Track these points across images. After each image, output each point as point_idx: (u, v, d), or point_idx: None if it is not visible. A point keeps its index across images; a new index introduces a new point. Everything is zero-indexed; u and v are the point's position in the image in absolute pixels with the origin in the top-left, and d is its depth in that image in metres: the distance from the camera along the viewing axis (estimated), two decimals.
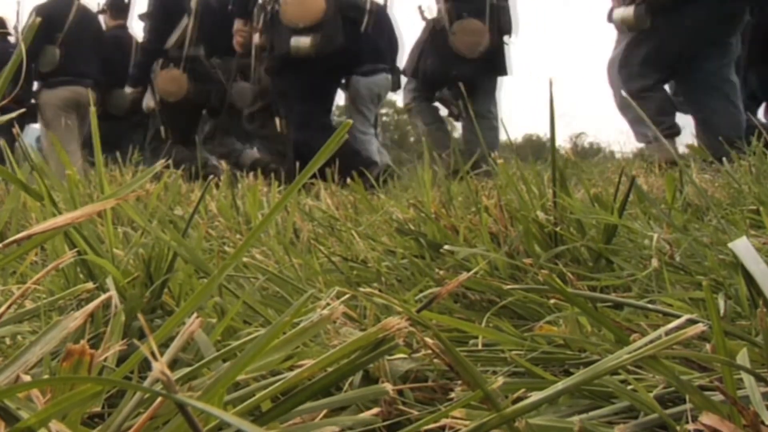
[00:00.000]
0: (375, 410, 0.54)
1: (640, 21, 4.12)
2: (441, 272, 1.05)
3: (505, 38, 5.01)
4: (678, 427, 0.52)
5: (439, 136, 5.04)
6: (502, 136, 5.24)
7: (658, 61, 4.13)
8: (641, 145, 4.46)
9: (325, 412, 0.53)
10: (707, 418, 0.48)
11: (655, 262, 0.97)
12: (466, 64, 4.83)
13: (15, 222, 1.08)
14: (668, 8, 4.04)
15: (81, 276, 0.90)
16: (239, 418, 0.36)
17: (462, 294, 1.00)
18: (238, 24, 4.97)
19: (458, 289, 0.97)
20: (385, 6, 5.45)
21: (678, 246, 1.06)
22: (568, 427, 0.52)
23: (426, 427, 0.53)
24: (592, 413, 0.58)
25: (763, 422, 0.49)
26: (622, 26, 4.18)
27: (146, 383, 0.48)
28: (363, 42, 4.76)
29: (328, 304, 0.74)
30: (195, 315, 0.53)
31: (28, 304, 0.81)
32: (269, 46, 4.75)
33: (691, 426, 0.52)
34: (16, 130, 1.10)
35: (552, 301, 0.84)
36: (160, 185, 1.32)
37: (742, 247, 0.62)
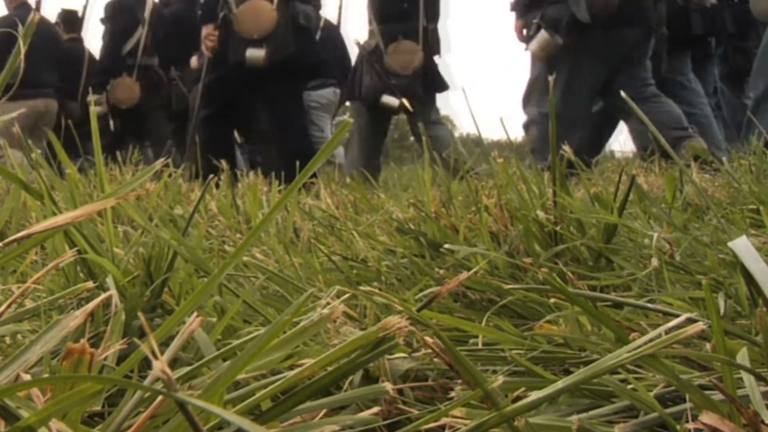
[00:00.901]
0: (375, 409, 0.55)
1: (550, 50, 4.33)
2: (441, 271, 1.05)
3: (436, 57, 5.43)
4: (678, 426, 0.52)
5: (371, 145, 5.46)
6: (503, 136, 5.31)
7: (575, 85, 4.31)
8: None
9: (325, 411, 0.53)
10: (707, 417, 0.48)
11: (655, 262, 0.97)
12: (400, 79, 5.23)
13: (15, 221, 1.08)
14: (577, 33, 4.22)
15: (81, 275, 0.90)
16: (239, 416, 0.36)
17: (462, 293, 1.00)
18: (207, 29, 5.07)
19: (458, 289, 0.97)
20: (338, 24, 5.81)
21: (678, 245, 1.06)
22: (568, 426, 0.52)
23: (426, 426, 0.53)
24: (592, 412, 0.58)
25: (763, 421, 0.49)
26: (540, 54, 4.39)
27: (146, 382, 0.48)
28: (314, 52, 5.07)
29: (328, 304, 0.74)
30: (195, 314, 0.53)
31: (28, 303, 0.81)
32: (220, 56, 4.96)
33: (691, 425, 0.52)
34: (16, 129, 1.10)
35: (552, 300, 0.84)
36: (160, 184, 1.32)
37: (742, 246, 0.62)
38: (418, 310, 0.67)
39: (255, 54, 4.74)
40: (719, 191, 1.85)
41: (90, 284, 0.73)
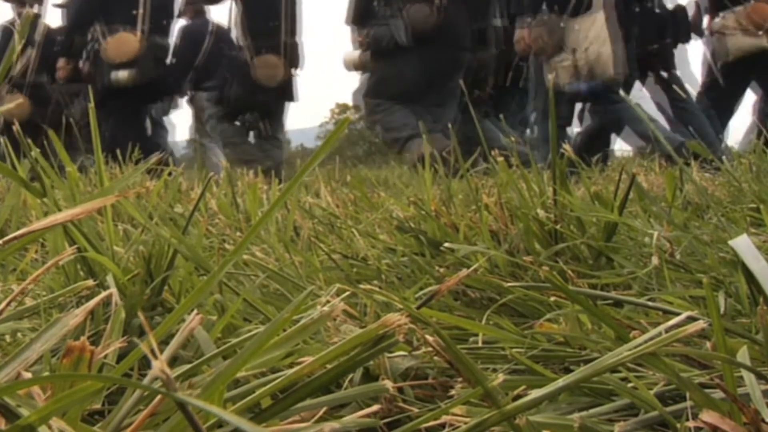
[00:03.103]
0: (375, 407, 0.54)
1: (365, 65, 4.92)
2: (441, 270, 1.05)
3: (293, 71, 6.01)
4: (678, 425, 0.52)
5: (243, 149, 5.96)
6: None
7: (391, 90, 4.88)
8: (640, 143, 4.68)
9: (325, 409, 0.53)
10: (707, 416, 0.48)
11: (655, 260, 0.97)
12: (265, 92, 5.81)
13: (15, 219, 1.08)
14: (387, 55, 4.78)
15: (81, 273, 0.90)
16: (238, 416, 0.36)
17: (462, 291, 1.00)
18: (61, 62, 6.21)
19: (458, 287, 0.97)
20: (229, 30, 6.37)
21: (678, 244, 1.06)
22: (568, 425, 0.52)
23: (426, 425, 0.53)
24: (592, 410, 0.58)
25: (763, 420, 0.49)
26: (349, 67, 5.00)
27: (146, 381, 0.48)
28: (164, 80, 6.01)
29: (328, 302, 0.74)
30: (195, 312, 0.53)
31: (29, 301, 0.81)
32: (92, 78, 5.84)
33: (691, 423, 0.51)
34: (16, 127, 1.10)
35: (552, 298, 0.84)
36: (160, 183, 1.32)
37: (743, 244, 0.62)
38: (418, 308, 0.67)
39: (120, 75, 5.69)
40: (719, 190, 1.85)
41: (90, 282, 0.73)
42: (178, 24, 6.85)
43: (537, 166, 1.35)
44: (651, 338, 0.49)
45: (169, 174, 1.93)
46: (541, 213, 1.17)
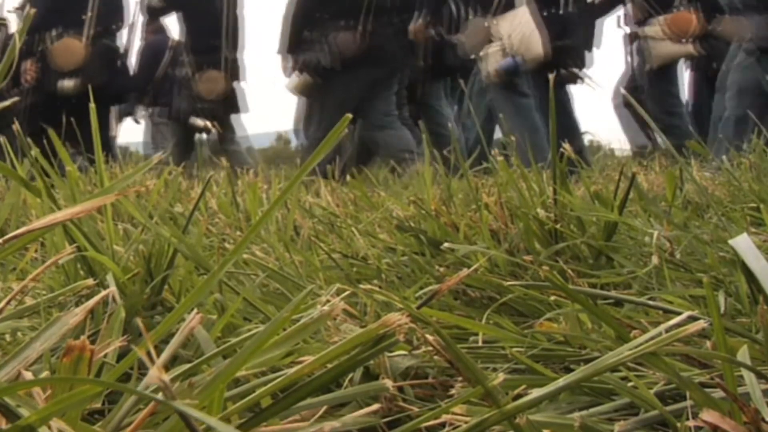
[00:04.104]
0: (375, 406, 0.54)
1: (306, 89, 5.29)
2: (441, 269, 1.05)
3: (236, 83, 6.39)
4: (678, 424, 0.52)
5: (178, 152, 6.23)
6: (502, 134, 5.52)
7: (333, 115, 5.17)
8: (641, 143, 4.86)
9: (325, 408, 0.53)
10: (708, 415, 0.48)
11: (655, 260, 0.97)
12: (207, 102, 6.22)
13: (15, 218, 1.08)
14: (325, 77, 5.14)
15: (81, 272, 0.90)
16: (228, 425, 0.36)
17: (462, 291, 0.99)
18: (26, 64, 6.07)
19: (458, 286, 0.97)
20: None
21: (678, 243, 1.06)
22: (568, 424, 0.52)
23: (426, 424, 0.53)
24: (592, 410, 0.58)
25: (763, 419, 0.49)
26: (294, 92, 5.37)
27: (141, 386, 0.48)
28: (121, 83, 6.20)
29: (328, 301, 0.74)
30: (195, 311, 0.53)
31: (28, 300, 0.81)
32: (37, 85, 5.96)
33: (691, 423, 0.51)
34: (16, 126, 1.10)
35: (552, 298, 0.84)
36: (160, 182, 1.32)
37: (743, 244, 0.62)
38: (419, 308, 0.67)
39: (66, 84, 5.78)
40: (719, 189, 1.85)
41: (90, 281, 0.73)
42: (139, 43, 7.28)
43: (536, 165, 1.35)
44: (651, 338, 0.49)
45: (169, 173, 1.93)
46: (541, 212, 1.17)
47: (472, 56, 4.87)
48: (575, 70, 5.11)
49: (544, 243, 1.15)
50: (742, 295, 0.81)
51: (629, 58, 5.87)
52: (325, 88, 5.18)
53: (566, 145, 1.34)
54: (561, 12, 5.03)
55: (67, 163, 0.99)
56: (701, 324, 0.48)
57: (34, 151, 0.97)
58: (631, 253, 1.11)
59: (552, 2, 5.00)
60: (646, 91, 5.70)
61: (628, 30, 5.83)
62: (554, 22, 5.00)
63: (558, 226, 1.15)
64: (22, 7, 6.24)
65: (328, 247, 1.22)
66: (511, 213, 1.22)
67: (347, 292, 0.80)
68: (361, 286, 0.90)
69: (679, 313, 0.60)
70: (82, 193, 1.08)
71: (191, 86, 6.23)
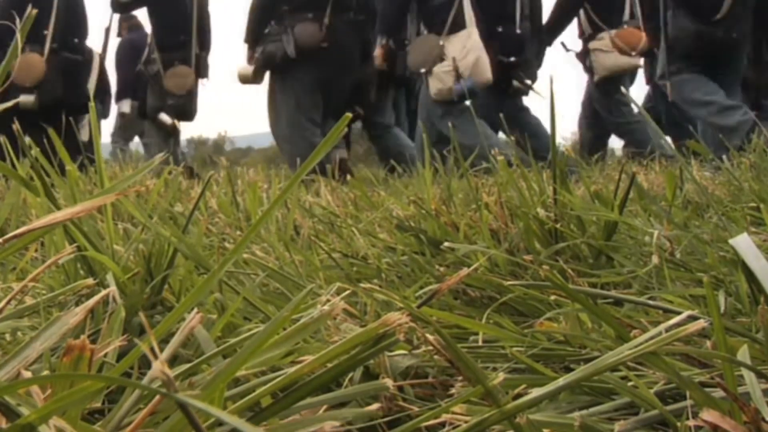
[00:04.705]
0: (375, 406, 0.54)
1: (256, 77, 5.44)
2: (441, 269, 1.05)
3: (201, 81, 6.54)
4: (678, 424, 0.52)
5: (154, 152, 6.54)
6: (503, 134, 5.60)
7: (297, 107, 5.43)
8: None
9: (325, 407, 0.53)
10: (708, 415, 0.48)
11: (655, 259, 0.97)
12: (177, 99, 6.36)
13: (15, 218, 1.08)
14: (277, 70, 5.37)
15: (81, 272, 0.90)
16: (236, 417, 0.36)
17: (462, 291, 0.99)
18: None
19: (458, 286, 0.97)
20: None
21: (678, 243, 1.06)
22: (568, 423, 0.52)
23: (426, 423, 0.53)
24: (592, 409, 0.58)
25: (763, 419, 0.49)
26: (242, 80, 5.50)
27: (145, 380, 0.48)
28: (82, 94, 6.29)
29: (328, 301, 0.74)
30: (195, 311, 0.53)
31: (28, 300, 0.81)
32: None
33: (691, 422, 0.51)
34: (16, 126, 1.10)
35: (552, 297, 0.84)
36: (160, 182, 1.32)
37: (743, 243, 0.62)
38: (419, 307, 0.67)
39: (26, 99, 5.84)
40: (719, 189, 1.85)
41: (90, 281, 0.73)
42: (117, 40, 7.46)
43: (537, 165, 1.35)
44: (651, 337, 0.49)
45: (169, 173, 1.93)
46: (541, 212, 1.17)
47: (422, 70, 5.10)
48: (527, 82, 5.40)
49: (544, 243, 1.15)
50: (742, 294, 0.81)
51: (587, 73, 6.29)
52: (280, 84, 5.39)
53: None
54: (516, 29, 5.34)
55: (68, 162, 0.99)
56: (701, 324, 0.48)
57: (35, 151, 0.97)
58: (631, 253, 1.11)
59: (506, 18, 5.29)
60: (595, 101, 6.19)
61: (579, 48, 6.24)
62: (508, 39, 5.30)
63: (558, 226, 1.15)
64: None
65: (328, 247, 1.22)
66: (511, 212, 1.22)
67: (347, 292, 0.80)
68: (361, 285, 0.90)
69: (679, 313, 0.60)
70: (82, 193, 1.08)
71: (160, 82, 6.37)
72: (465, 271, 0.67)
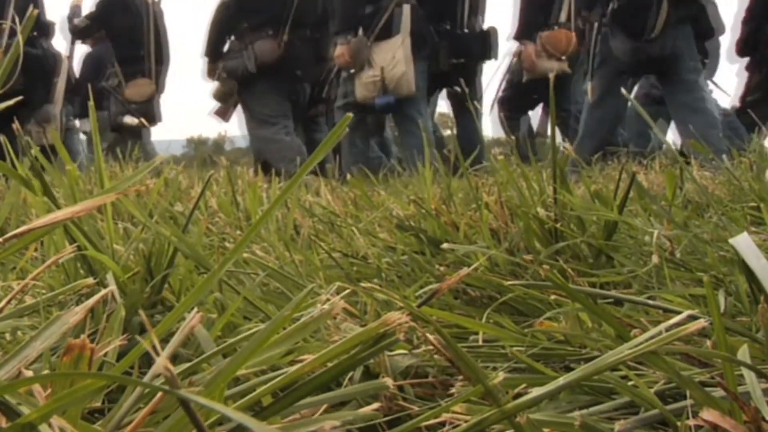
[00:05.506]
0: (375, 405, 0.54)
1: (221, 95, 5.82)
2: (441, 268, 1.05)
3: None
4: (678, 423, 0.52)
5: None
6: (501, 133, 5.71)
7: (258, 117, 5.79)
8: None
9: (325, 407, 0.53)
10: (708, 414, 0.48)
11: (655, 259, 0.97)
12: (139, 105, 6.73)
13: (15, 217, 1.08)
14: (244, 84, 5.66)
15: (81, 271, 0.90)
16: (241, 413, 0.36)
17: (462, 290, 1.00)
18: None
19: (458, 286, 0.97)
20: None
21: (678, 242, 1.06)
22: (568, 422, 0.52)
23: (426, 423, 0.53)
24: (592, 409, 0.58)
25: (763, 418, 0.49)
26: (216, 97, 5.85)
27: (147, 378, 0.48)
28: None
29: (328, 300, 0.74)
30: (195, 310, 0.53)
31: (28, 299, 0.81)
32: None
33: (691, 422, 0.51)
34: (16, 125, 1.10)
35: (552, 297, 0.84)
36: (160, 181, 1.32)
37: (743, 243, 0.62)
38: (419, 307, 0.67)
39: None
40: (719, 189, 1.85)
41: (90, 281, 0.73)
42: (83, 51, 7.69)
43: (537, 164, 1.35)
44: (651, 337, 0.49)
45: (169, 172, 1.93)
46: (541, 211, 1.17)
47: (351, 71, 5.26)
48: (465, 88, 5.52)
49: (544, 242, 1.15)
50: (742, 294, 0.81)
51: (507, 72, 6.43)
52: (245, 96, 5.72)
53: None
54: (458, 31, 5.48)
55: (67, 162, 0.99)
56: (701, 323, 0.48)
57: (35, 150, 0.97)
58: (631, 252, 1.11)
59: (449, 18, 5.42)
60: (507, 103, 6.36)
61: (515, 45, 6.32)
62: (451, 40, 5.43)
63: (558, 226, 1.15)
64: None
65: (328, 246, 1.22)
66: (511, 212, 1.22)
67: (347, 291, 0.80)
68: (362, 285, 0.90)
69: (679, 312, 0.60)
70: (82, 193, 1.08)
71: (120, 93, 6.78)
72: (465, 270, 0.67)
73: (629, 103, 5.16)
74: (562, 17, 5.89)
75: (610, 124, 5.10)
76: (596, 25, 5.03)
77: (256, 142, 5.84)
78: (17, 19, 0.66)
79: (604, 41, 4.97)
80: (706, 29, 5.09)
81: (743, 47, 5.58)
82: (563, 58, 5.85)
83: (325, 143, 0.55)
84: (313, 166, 0.56)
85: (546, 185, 1.26)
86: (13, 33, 5.93)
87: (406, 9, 5.12)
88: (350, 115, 0.56)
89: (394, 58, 5.07)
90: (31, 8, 0.66)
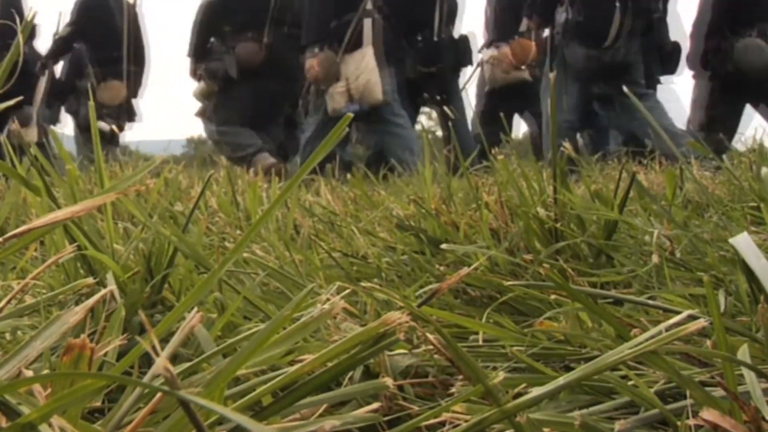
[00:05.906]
0: (375, 405, 0.54)
1: (203, 95, 5.88)
2: (441, 268, 1.05)
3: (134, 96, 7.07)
4: (678, 423, 0.52)
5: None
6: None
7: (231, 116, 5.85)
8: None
9: (325, 406, 0.53)
10: (708, 414, 0.48)
11: (655, 258, 0.97)
12: (111, 109, 6.79)
13: (15, 217, 1.08)
14: (223, 86, 5.76)
15: (81, 271, 0.90)
16: (240, 413, 0.36)
17: (462, 290, 1.00)
18: None
19: (458, 285, 0.97)
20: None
21: (678, 242, 1.06)
22: (568, 422, 0.52)
23: (426, 423, 0.52)
24: (592, 408, 0.58)
25: (763, 418, 0.49)
26: (198, 98, 5.95)
27: (146, 378, 0.48)
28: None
29: (328, 300, 0.74)
30: (195, 310, 0.53)
31: (28, 299, 0.81)
32: None
33: (691, 421, 0.51)
34: (15, 125, 1.10)
35: (552, 297, 0.84)
36: (160, 181, 1.32)
37: (743, 242, 0.62)
38: (419, 307, 0.67)
39: None
40: (719, 188, 1.85)
41: (90, 280, 0.73)
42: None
43: (539, 164, 1.35)
44: (651, 336, 0.49)
45: (170, 172, 1.93)
46: (541, 211, 1.17)
47: (322, 87, 5.32)
48: (438, 96, 5.66)
49: (544, 242, 1.15)
50: (743, 293, 0.81)
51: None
52: (224, 95, 5.76)
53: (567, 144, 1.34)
54: (434, 38, 5.55)
55: (67, 161, 0.99)
56: (701, 323, 0.48)
57: (34, 150, 0.97)
58: (631, 252, 1.11)
59: (424, 27, 5.50)
60: (476, 112, 6.38)
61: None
62: (423, 48, 5.51)
63: (558, 225, 1.15)
64: None
65: (328, 246, 1.22)
66: (511, 212, 1.22)
67: (347, 291, 0.80)
68: (362, 284, 0.90)
69: (679, 312, 0.60)
70: (82, 192, 1.08)
71: (94, 95, 6.69)
72: (465, 270, 0.67)
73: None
74: (523, 27, 6.02)
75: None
76: (552, 33, 5.27)
77: (213, 136, 5.90)
78: (17, 20, 0.66)
79: (560, 50, 5.21)
80: (665, 41, 5.35)
81: (700, 62, 5.62)
82: (523, 67, 6.03)
83: (325, 143, 0.55)
84: (313, 166, 0.56)
85: (546, 185, 1.26)
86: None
87: (367, 22, 5.24)
88: (350, 115, 0.56)
89: (358, 69, 5.17)
90: (31, 9, 0.66)
